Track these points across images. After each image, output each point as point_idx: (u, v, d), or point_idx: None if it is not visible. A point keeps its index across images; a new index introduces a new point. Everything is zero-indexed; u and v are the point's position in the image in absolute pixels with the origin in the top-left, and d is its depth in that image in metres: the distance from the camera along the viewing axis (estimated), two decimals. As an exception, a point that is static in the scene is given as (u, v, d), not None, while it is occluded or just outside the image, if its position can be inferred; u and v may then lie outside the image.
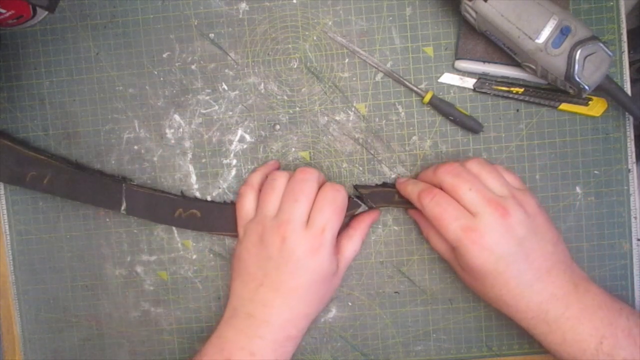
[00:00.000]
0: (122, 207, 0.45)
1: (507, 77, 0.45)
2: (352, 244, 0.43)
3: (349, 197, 0.44)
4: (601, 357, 0.37)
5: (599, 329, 0.37)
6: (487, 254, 0.37)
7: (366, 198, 0.44)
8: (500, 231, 0.37)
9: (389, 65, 0.45)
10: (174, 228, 0.47)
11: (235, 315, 0.41)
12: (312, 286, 0.40)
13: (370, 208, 0.45)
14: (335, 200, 0.40)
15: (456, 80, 0.45)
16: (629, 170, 0.45)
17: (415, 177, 0.45)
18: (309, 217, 0.40)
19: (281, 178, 0.42)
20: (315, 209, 0.40)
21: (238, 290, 0.42)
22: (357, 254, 0.45)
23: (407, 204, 0.43)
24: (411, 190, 0.42)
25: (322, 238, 0.40)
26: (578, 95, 0.41)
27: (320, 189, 0.41)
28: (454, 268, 0.43)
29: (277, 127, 0.46)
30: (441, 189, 0.40)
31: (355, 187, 0.45)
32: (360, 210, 0.45)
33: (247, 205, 0.43)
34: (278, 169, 0.46)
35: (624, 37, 0.44)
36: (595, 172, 0.45)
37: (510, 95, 0.45)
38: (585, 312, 0.38)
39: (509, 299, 0.39)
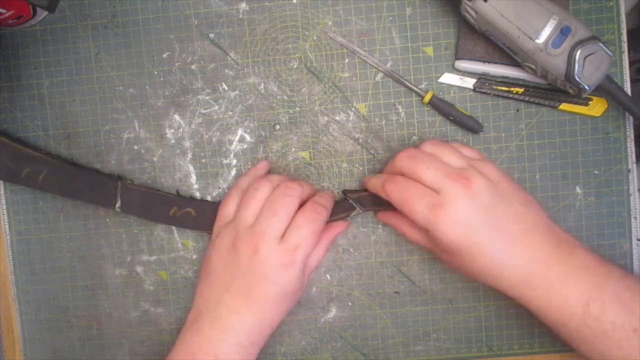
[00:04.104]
0: (117, 205, 0.45)
1: (507, 77, 0.45)
2: (317, 252, 0.43)
3: (345, 199, 0.44)
4: (589, 322, 0.36)
5: (584, 292, 0.36)
6: (458, 226, 0.37)
7: (356, 203, 0.44)
8: (465, 202, 0.37)
9: (389, 65, 0.45)
10: (174, 228, 0.47)
11: (200, 319, 0.41)
12: (277, 299, 0.41)
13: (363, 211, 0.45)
14: (314, 222, 0.41)
15: (456, 80, 0.45)
16: (629, 170, 0.45)
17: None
18: (285, 232, 0.40)
19: (264, 188, 0.42)
20: (293, 226, 0.40)
21: (205, 292, 0.42)
22: (321, 262, 0.45)
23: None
24: (375, 183, 0.42)
25: (294, 256, 0.40)
26: (578, 95, 0.41)
27: (302, 207, 0.41)
28: (436, 254, 0.42)
29: (277, 127, 0.46)
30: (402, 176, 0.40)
31: (344, 192, 0.45)
32: (354, 213, 0.45)
33: (228, 208, 0.43)
34: (268, 171, 0.46)
35: (624, 37, 0.44)
36: (595, 172, 0.45)
37: (510, 95, 0.45)
38: (570, 274, 0.37)
39: (491, 268, 0.38)
